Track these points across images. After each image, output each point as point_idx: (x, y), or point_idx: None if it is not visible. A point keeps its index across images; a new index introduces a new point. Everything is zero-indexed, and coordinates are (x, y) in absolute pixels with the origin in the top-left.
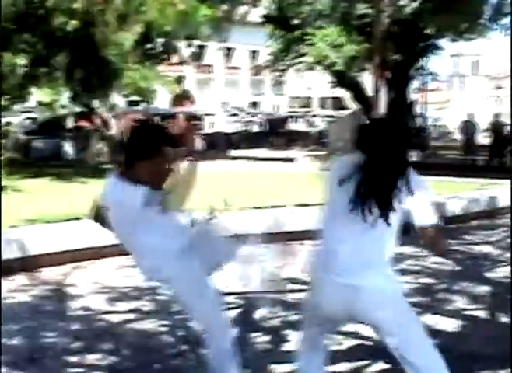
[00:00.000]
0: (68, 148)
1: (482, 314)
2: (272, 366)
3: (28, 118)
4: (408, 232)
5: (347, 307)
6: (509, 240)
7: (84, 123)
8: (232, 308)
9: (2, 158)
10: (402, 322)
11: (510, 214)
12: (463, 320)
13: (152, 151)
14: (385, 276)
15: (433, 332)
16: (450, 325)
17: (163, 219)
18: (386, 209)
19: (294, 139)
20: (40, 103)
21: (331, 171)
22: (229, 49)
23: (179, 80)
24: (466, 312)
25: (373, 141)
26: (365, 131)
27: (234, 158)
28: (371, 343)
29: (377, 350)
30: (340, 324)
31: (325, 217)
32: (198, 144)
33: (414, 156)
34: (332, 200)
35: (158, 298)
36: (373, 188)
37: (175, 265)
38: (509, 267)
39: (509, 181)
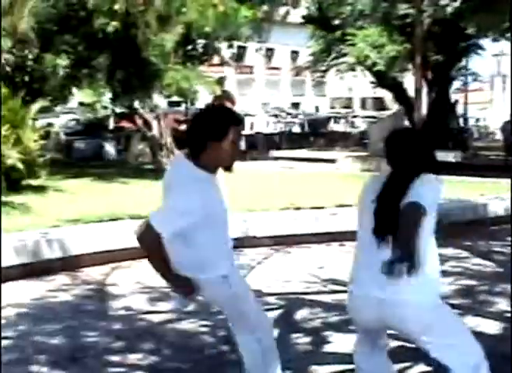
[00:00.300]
0: (110, 148)
1: None
2: (313, 367)
3: (72, 119)
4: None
5: (378, 319)
6: None
7: (125, 124)
8: (273, 309)
9: (44, 158)
10: (432, 333)
11: None
12: (505, 322)
13: (224, 132)
14: (410, 288)
15: (475, 335)
16: (492, 327)
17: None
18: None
19: (335, 140)
20: (82, 104)
21: (363, 189)
22: (269, 50)
23: (220, 81)
24: (508, 314)
25: (393, 155)
26: (389, 143)
27: (275, 158)
28: (412, 346)
29: (419, 353)
30: (385, 330)
31: (357, 233)
32: (240, 144)
33: (456, 157)
34: (361, 217)
35: (199, 298)
36: (383, 215)
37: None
38: None
39: None
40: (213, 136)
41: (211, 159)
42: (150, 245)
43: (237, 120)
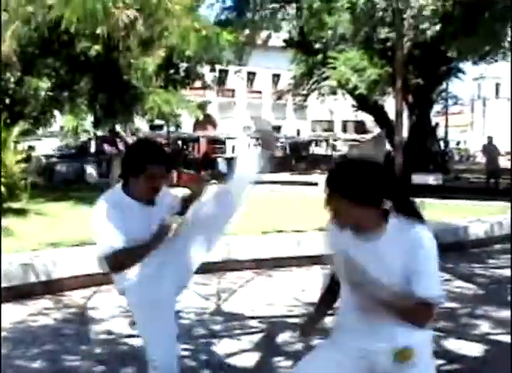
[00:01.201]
0: (91, 171)
1: (506, 339)
2: None
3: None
4: None
5: None
6: None
7: (107, 147)
8: (255, 333)
9: (26, 181)
10: None
11: None
12: (487, 345)
13: (141, 168)
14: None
15: (458, 357)
16: (475, 349)
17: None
18: None
19: (317, 163)
20: (63, 128)
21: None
22: (251, 73)
23: (203, 105)
24: (490, 337)
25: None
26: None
27: (256, 181)
28: None
29: None
30: None
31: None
32: (221, 167)
33: (436, 179)
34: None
35: (181, 321)
36: None
37: (136, 291)
38: None
39: None
40: (131, 171)
41: (133, 191)
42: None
43: (156, 158)
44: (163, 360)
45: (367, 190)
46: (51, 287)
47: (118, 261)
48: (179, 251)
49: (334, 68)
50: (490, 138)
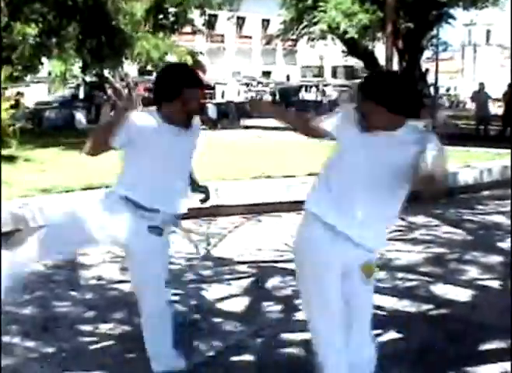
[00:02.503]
0: (81, 117)
1: (494, 284)
2: (285, 335)
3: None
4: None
5: None
6: None
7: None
8: (244, 277)
9: (14, 127)
10: None
11: None
12: (475, 290)
13: (174, 94)
14: None
15: (445, 302)
16: (462, 295)
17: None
18: None
19: (306, 108)
20: (51, 73)
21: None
22: (240, 18)
23: (193, 53)
24: (478, 282)
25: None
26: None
27: (246, 127)
28: (384, 313)
29: (389, 320)
30: None
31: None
32: (211, 112)
33: (426, 126)
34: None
35: (171, 267)
36: None
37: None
38: None
39: None
40: (165, 97)
41: (167, 116)
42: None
43: (191, 82)
44: (154, 308)
45: (399, 101)
46: None
47: (87, 145)
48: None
49: (325, 12)
50: (482, 85)
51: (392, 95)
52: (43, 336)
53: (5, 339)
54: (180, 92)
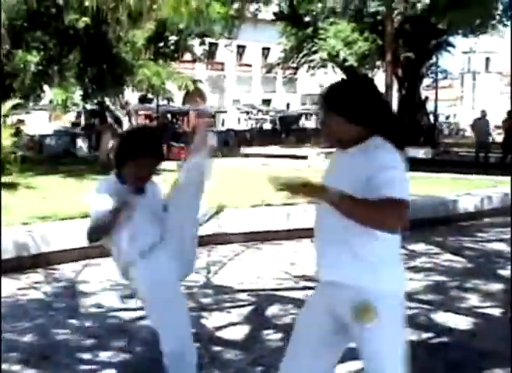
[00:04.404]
0: (81, 145)
1: (494, 312)
2: None
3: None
4: None
5: None
6: None
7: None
8: (244, 306)
9: (15, 155)
10: None
11: None
12: (476, 318)
13: (135, 154)
14: None
15: (446, 330)
16: (463, 322)
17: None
18: None
19: (306, 136)
20: (52, 101)
21: None
22: (241, 46)
23: (196, 80)
24: (479, 310)
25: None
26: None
27: (246, 155)
28: None
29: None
30: None
31: None
32: (211, 141)
33: (426, 153)
34: None
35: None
36: None
37: (138, 265)
38: None
39: None
40: (124, 157)
41: (125, 177)
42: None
43: (148, 149)
44: (179, 348)
45: (359, 110)
46: (41, 261)
47: (89, 232)
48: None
49: (325, 40)
50: (484, 112)
51: (351, 104)
52: (42, 364)
53: (5, 366)
54: (134, 157)
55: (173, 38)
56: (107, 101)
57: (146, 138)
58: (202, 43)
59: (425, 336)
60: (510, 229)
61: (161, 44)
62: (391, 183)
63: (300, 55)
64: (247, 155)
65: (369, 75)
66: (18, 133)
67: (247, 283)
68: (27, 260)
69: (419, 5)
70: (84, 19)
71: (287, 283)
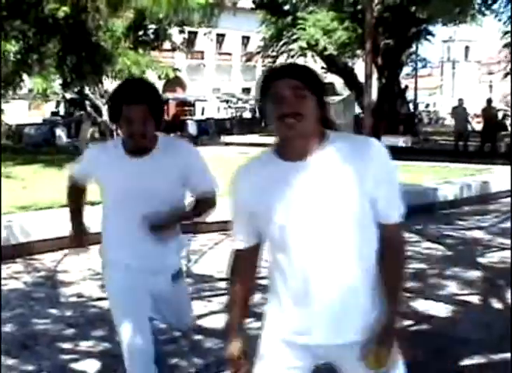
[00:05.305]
0: (61, 134)
1: (474, 299)
2: None
3: None
4: None
5: None
6: (501, 225)
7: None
8: (224, 294)
9: None
10: None
11: (502, 200)
12: (455, 305)
13: (118, 112)
14: None
15: (426, 318)
16: (443, 310)
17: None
18: None
19: None
20: (32, 90)
21: None
22: (220, 35)
23: (174, 69)
24: (458, 298)
25: None
26: None
27: (226, 144)
28: None
29: None
30: None
31: None
32: (191, 129)
33: (406, 142)
34: None
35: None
36: None
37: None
38: (500, 252)
39: (500, 167)
40: (112, 118)
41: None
42: (68, 191)
43: (131, 97)
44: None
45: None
46: (21, 251)
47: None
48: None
49: (304, 29)
50: (461, 101)
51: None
52: (23, 354)
53: None
54: (120, 110)
55: (152, 27)
56: (87, 90)
57: (129, 86)
58: (182, 32)
59: (405, 323)
60: (488, 217)
61: (140, 33)
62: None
63: (280, 44)
64: (227, 144)
65: (350, 64)
66: None
67: (226, 271)
68: (7, 250)
69: None
70: (64, 8)
71: (267, 271)
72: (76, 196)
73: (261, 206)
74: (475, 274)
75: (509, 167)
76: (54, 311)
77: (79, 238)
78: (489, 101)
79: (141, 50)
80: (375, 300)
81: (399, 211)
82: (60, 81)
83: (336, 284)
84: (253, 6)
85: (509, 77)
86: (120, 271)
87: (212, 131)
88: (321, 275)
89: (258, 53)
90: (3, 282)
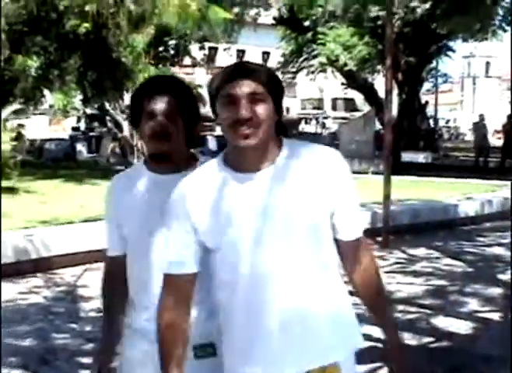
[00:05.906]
0: (81, 149)
1: (494, 316)
2: None
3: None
4: None
5: None
6: None
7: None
8: None
9: (15, 159)
10: None
11: None
12: (476, 322)
13: (139, 110)
14: None
15: (446, 334)
16: (463, 327)
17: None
18: None
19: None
20: (52, 106)
21: None
22: (241, 51)
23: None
24: (479, 314)
25: None
26: None
27: None
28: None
29: None
30: None
31: None
32: (211, 145)
33: (426, 158)
34: None
35: None
36: None
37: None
38: None
39: None
40: (133, 122)
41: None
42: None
43: (155, 89)
44: None
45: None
46: (41, 266)
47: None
48: None
49: (324, 45)
50: (482, 116)
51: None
52: (42, 369)
53: (5, 371)
54: (141, 107)
55: (172, 42)
56: (107, 105)
57: (154, 77)
58: (202, 48)
59: (425, 340)
60: (509, 234)
61: (161, 49)
62: None
63: (300, 59)
64: None
65: (370, 80)
66: (18, 137)
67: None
68: (27, 265)
69: (419, 10)
70: (85, 24)
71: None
72: (109, 289)
73: (207, 223)
74: (495, 291)
75: None
76: (73, 325)
77: (107, 356)
78: (510, 117)
79: (161, 66)
80: (336, 321)
81: (360, 226)
82: (80, 96)
83: (291, 312)
84: (273, 22)
85: None
86: None
87: None
88: (275, 306)
89: (278, 69)
90: (24, 296)
